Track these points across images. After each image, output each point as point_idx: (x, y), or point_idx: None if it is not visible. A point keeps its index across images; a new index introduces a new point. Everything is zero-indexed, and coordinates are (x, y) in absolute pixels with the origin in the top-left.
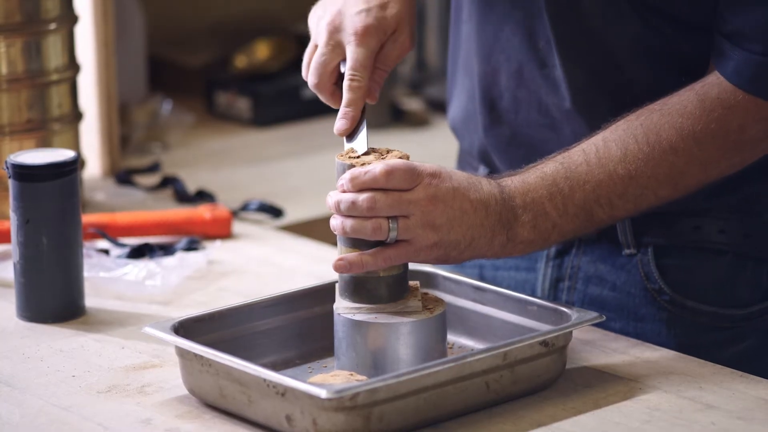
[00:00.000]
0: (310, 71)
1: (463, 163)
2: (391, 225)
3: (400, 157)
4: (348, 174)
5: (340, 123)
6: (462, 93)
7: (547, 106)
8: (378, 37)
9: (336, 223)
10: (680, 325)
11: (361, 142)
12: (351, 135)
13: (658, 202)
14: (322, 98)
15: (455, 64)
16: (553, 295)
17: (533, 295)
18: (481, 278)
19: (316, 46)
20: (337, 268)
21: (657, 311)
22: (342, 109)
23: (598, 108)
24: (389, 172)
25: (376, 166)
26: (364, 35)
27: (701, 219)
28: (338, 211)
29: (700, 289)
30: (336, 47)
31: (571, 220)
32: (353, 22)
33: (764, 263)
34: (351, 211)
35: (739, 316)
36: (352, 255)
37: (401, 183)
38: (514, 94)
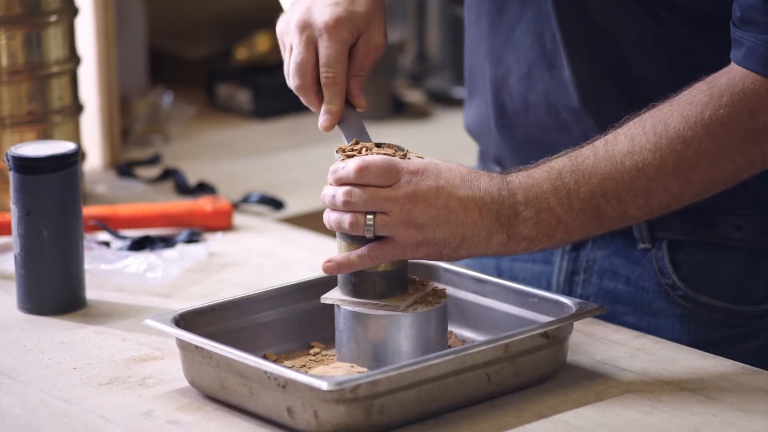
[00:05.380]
0: (290, 74)
1: (481, 164)
2: (367, 220)
3: (397, 152)
4: (331, 167)
5: (322, 119)
6: (476, 96)
7: (557, 108)
8: (349, 29)
9: (324, 216)
10: (693, 321)
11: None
12: (349, 132)
13: (672, 200)
14: (305, 101)
15: (472, 67)
16: (569, 288)
17: (548, 287)
18: (498, 269)
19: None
20: (326, 269)
21: (670, 306)
22: (324, 106)
23: (608, 107)
24: (363, 168)
25: (352, 162)
26: (334, 27)
27: (717, 215)
28: (324, 204)
29: (714, 285)
30: (309, 43)
31: (577, 215)
32: (323, 15)
33: None
34: (332, 205)
35: (753, 313)
36: (340, 256)
37: (376, 179)
38: (525, 97)
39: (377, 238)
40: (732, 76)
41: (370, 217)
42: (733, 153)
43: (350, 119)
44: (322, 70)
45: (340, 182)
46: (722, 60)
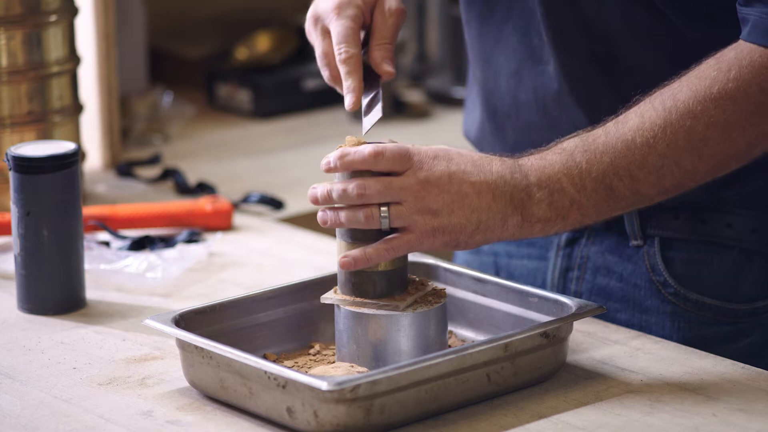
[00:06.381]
0: (320, 69)
1: None
2: (382, 212)
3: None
4: (338, 152)
5: (347, 99)
6: (472, 101)
7: (545, 104)
8: (355, 4)
9: (328, 215)
10: (684, 318)
11: (375, 115)
12: (367, 108)
13: (685, 177)
14: (340, 90)
15: (468, 74)
16: (563, 284)
17: (543, 284)
18: (496, 266)
19: None
20: (343, 265)
21: (661, 304)
22: (344, 85)
23: (598, 98)
24: (378, 153)
25: (365, 147)
26: (338, 8)
27: (708, 213)
28: (330, 200)
29: (706, 283)
30: (324, 34)
31: (590, 195)
32: (327, 4)
33: None
34: (343, 200)
35: (744, 311)
36: (356, 251)
37: (391, 165)
38: (514, 96)
39: (390, 233)
40: (740, 50)
41: (384, 208)
42: (744, 126)
43: (369, 93)
44: (335, 48)
45: (351, 167)
46: (718, 49)
